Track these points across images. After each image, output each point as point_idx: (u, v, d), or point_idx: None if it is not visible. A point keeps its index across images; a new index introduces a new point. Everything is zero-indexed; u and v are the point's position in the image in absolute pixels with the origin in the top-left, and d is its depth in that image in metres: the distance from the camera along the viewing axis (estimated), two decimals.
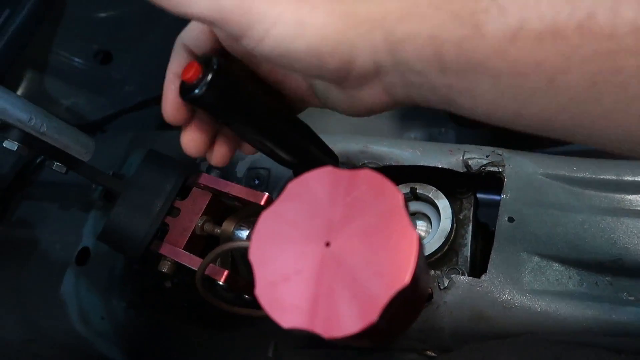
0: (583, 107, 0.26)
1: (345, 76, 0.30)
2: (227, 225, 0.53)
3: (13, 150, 0.53)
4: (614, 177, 0.60)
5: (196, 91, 0.38)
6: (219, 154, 0.47)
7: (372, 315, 0.31)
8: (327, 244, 0.34)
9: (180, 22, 1.31)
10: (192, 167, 0.75)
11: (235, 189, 0.54)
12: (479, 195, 0.70)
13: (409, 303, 0.35)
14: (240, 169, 0.73)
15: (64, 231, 0.81)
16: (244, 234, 0.52)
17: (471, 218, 0.66)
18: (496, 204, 0.62)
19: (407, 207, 0.34)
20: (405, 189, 0.67)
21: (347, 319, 0.31)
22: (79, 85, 1.23)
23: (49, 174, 0.92)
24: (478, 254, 0.66)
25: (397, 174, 0.67)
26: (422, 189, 0.66)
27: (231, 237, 0.52)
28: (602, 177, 0.60)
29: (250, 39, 0.29)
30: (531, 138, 0.88)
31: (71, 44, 1.21)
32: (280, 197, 0.37)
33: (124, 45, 1.27)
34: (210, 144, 0.47)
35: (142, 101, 1.27)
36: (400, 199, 0.33)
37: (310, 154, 0.49)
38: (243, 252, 0.52)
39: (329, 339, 0.32)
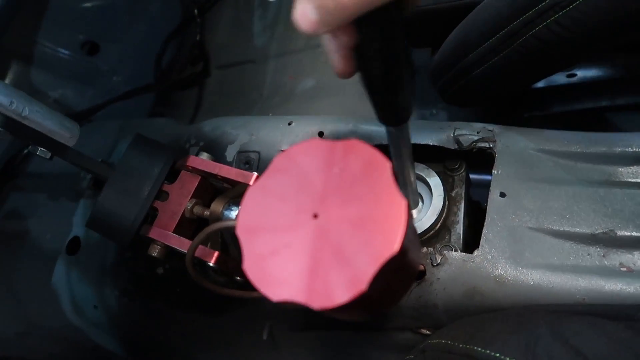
0: None
1: None
2: (216, 206, 0.52)
3: None
4: (605, 150, 0.60)
5: None
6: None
7: (361, 284, 0.30)
8: (315, 216, 0.33)
9: (166, 12, 1.28)
10: (180, 150, 0.74)
11: (224, 170, 0.54)
12: (471, 175, 0.70)
13: (399, 273, 0.35)
14: (230, 153, 0.73)
15: (53, 221, 0.80)
16: (233, 213, 0.51)
17: (463, 195, 0.65)
18: (487, 184, 0.62)
19: (395, 175, 0.33)
20: None
21: (337, 289, 0.31)
22: (66, 77, 1.22)
23: (37, 164, 0.91)
24: (470, 230, 0.66)
25: (388, 153, 0.67)
26: None
27: (220, 218, 0.52)
28: (592, 150, 0.60)
29: None
30: (519, 115, 0.87)
31: (57, 35, 1.19)
32: (267, 171, 0.36)
33: (111, 35, 1.25)
34: None
35: (129, 91, 1.26)
36: (388, 167, 0.33)
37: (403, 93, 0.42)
38: (233, 233, 0.52)
39: (320, 309, 0.31)
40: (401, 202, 0.32)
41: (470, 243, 0.64)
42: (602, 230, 0.55)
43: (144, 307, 0.74)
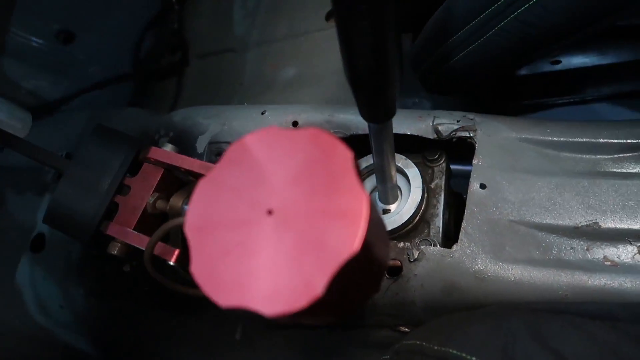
0: None
1: None
2: (176, 200, 0.49)
3: None
4: (589, 139, 0.57)
5: None
6: None
7: (317, 288, 0.27)
8: (270, 212, 0.30)
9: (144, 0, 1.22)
10: (148, 141, 0.71)
11: (187, 162, 0.50)
12: (452, 166, 0.67)
13: (362, 273, 0.32)
14: (201, 144, 0.69)
15: (17, 217, 0.77)
16: None
17: (443, 187, 0.62)
18: (469, 175, 0.59)
19: (357, 167, 0.30)
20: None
21: (291, 294, 0.28)
22: (40, 67, 1.17)
23: (0, 158, 0.87)
24: (451, 224, 0.63)
25: (365, 143, 0.64)
26: None
27: (181, 213, 0.49)
28: (576, 139, 0.57)
29: None
30: (504, 103, 0.84)
31: (30, 24, 1.14)
32: (219, 162, 0.33)
33: (87, 24, 1.21)
34: None
35: (103, 80, 1.22)
36: (349, 158, 0.30)
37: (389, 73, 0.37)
38: None
39: (272, 317, 0.28)
40: (362, 197, 0.29)
41: (451, 236, 0.61)
42: (585, 223, 0.53)
43: (111, 307, 0.71)
